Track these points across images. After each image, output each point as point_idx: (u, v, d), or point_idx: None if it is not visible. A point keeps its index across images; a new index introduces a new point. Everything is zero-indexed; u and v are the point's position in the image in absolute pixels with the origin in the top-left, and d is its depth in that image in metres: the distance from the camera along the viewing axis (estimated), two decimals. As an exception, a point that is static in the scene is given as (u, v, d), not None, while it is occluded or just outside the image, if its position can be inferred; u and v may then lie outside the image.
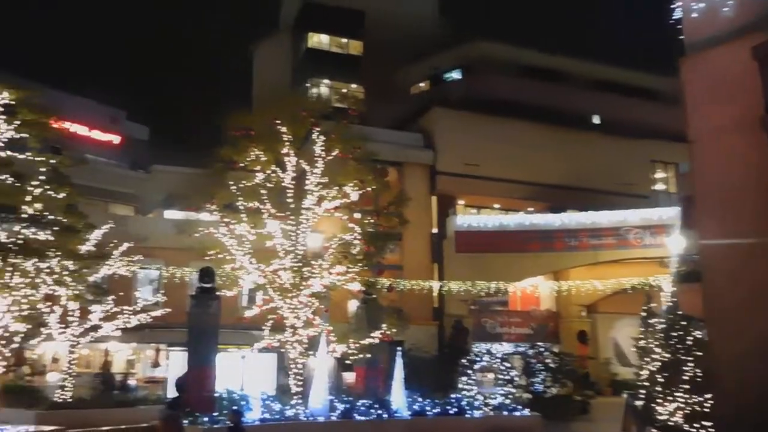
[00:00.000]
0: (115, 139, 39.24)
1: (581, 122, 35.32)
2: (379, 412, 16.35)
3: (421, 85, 39.13)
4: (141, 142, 41.62)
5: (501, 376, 22.19)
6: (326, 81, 38.50)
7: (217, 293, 16.62)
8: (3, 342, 14.32)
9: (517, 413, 18.24)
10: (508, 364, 22.81)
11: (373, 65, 38.22)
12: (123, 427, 16.87)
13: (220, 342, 16.56)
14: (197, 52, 77.60)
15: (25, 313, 14.60)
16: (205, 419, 14.02)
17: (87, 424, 17.23)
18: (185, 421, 13.20)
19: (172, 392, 22.02)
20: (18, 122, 14.30)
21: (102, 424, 17.44)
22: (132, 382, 26.10)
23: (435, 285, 28.86)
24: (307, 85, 37.73)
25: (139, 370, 27.69)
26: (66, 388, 19.38)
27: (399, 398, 16.90)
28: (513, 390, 21.47)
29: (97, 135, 37.66)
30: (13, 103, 14.31)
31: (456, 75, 37.59)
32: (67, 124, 28.30)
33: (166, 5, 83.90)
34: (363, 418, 16.08)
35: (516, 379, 22.84)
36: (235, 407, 13.51)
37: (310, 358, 17.83)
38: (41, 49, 73.08)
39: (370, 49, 39.07)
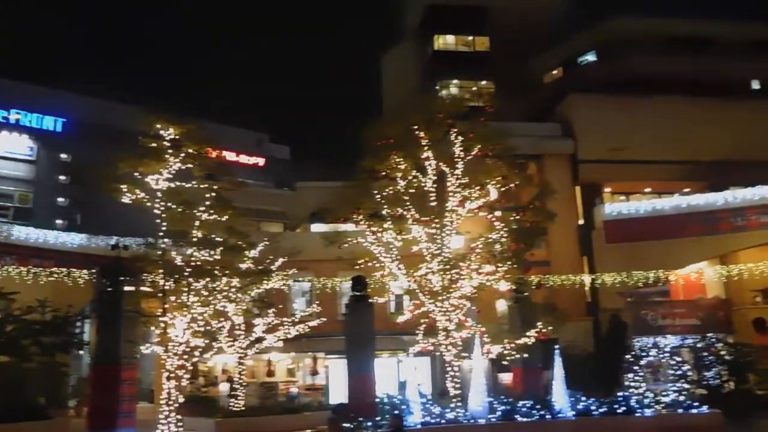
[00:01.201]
0: (260, 161, 41.97)
1: (738, 90, 32.32)
2: (542, 412, 15.86)
3: (554, 72, 37.73)
4: (283, 161, 44.05)
5: (671, 371, 20.69)
6: (455, 81, 38.40)
7: (370, 300, 16.99)
8: (186, 356, 15.59)
9: (694, 410, 16.89)
10: (678, 358, 21.24)
11: (501, 59, 37.56)
12: (293, 432, 17.78)
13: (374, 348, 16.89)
14: (325, 69, 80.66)
15: (201, 329, 15.81)
16: (368, 424, 14.33)
17: (259, 430, 18.33)
18: (349, 425, 13.62)
19: (333, 399, 22.96)
20: (183, 155, 15.60)
21: (272, 430, 18.48)
22: (294, 390, 27.50)
23: (586, 279, 27.59)
24: (437, 87, 37.83)
25: (299, 378, 29.06)
26: (238, 397, 20.76)
27: (561, 398, 16.30)
28: (686, 386, 19.92)
29: (244, 159, 40.50)
30: (178, 137, 15.62)
31: (591, 57, 35.85)
32: (219, 152, 30.47)
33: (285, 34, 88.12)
34: (525, 419, 15.69)
35: (689, 374, 21.20)
36: (396, 411, 13.70)
37: (465, 360, 17.71)
38: (185, 84, 79.59)
39: (497, 43, 38.46)
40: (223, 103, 72.60)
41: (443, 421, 15.25)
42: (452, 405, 15.98)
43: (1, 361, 16.77)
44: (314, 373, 28.51)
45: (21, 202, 34.30)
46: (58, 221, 33.49)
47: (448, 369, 17.04)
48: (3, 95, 32.51)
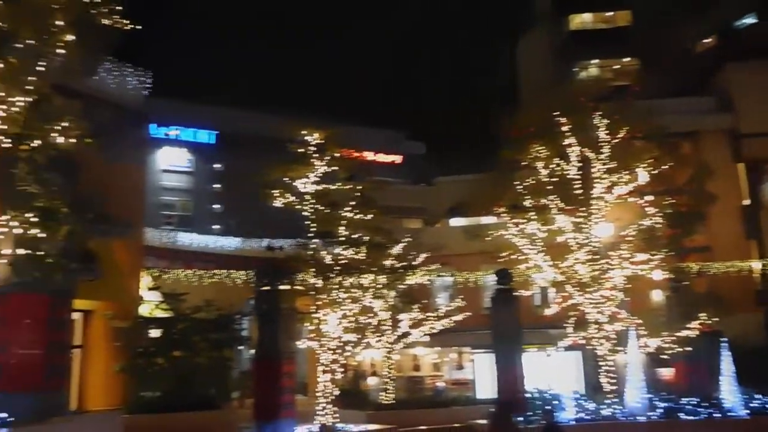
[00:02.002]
0: (397, 158, 42.65)
1: None
2: (710, 411, 14.68)
3: (707, 41, 34.67)
4: (419, 157, 44.45)
5: None
6: (596, 61, 36.51)
7: (515, 293, 16.66)
8: (339, 351, 16.27)
9: None
10: None
11: (645, 33, 35.10)
12: (443, 426, 17.89)
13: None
14: (455, 62, 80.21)
15: (351, 324, 16.43)
16: (519, 419, 14.05)
17: (409, 423, 18.61)
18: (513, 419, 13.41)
19: (480, 394, 22.79)
20: (328, 158, 16.29)
21: (422, 423, 18.68)
22: (440, 384, 27.64)
23: (755, 265, 25.17)
24: (576, 69, 36.20)
25: (445, 373, 29.15)
26: (388, 391, 21.23)
27: (732, 395, 14.99)
28: None
29: (382, 157, 41.39)
30: (322, 142, 16.35)
31: (750, 20, 32.54)
32: (359, 152, 31.43)
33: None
34: (690, 417, 14.58)
35: None
36: (547, 407, 13.31)
37: (619, 354, 16.85)
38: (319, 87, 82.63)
39: (639, 15, 36.04)
40: (356, 101, 74.60)
41: (599, 418, 14.60)
42: (607, 401, 15.26)
43: (176, 356, 18.34)
44: (459, 367, 28.47)
45: (183, 210, 37.53)
46: (215, 226, 36.24)
47: (601, 363, 16.30)
48: (164, 114, 35.78)
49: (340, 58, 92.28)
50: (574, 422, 14.25)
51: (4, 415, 7.58)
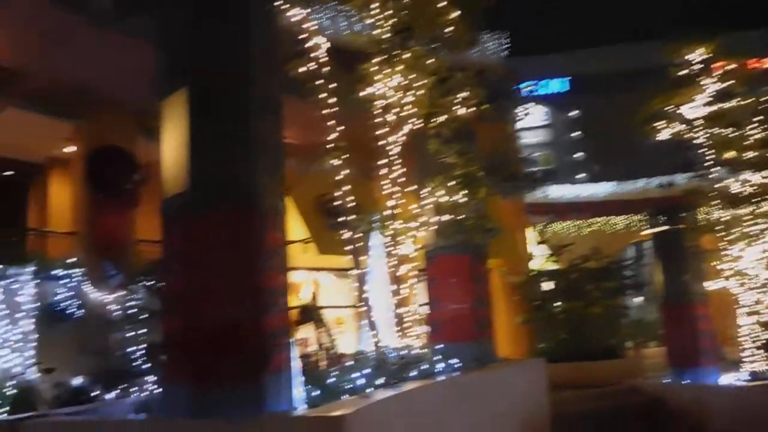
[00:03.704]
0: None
1: None
2: None
3: None
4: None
5: None
6: None
7: None
8: (762, 289, 14.36)
9: None
10: None
11: None
12: None
13: None
14: None
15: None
16: None
17: None
18: None
19: None
20: (718, 74, 14.36)
21: None
22: None
23: None
24: None
25: None
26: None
27: None
28: None
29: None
30: (709, 56, 14.49)
31: None
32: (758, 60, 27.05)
33: None
34: None
35: None
36: None
37: None
38: None
39: None
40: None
41: None
42: None
43: (571, 307, 18.46)
44: None
45: (544, 164, 37.81)
46: (580, 175, 35.59)
47: None
48: (519, 71, 36.32)
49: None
50: None
51: (456, 360, 8.42)
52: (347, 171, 8.08)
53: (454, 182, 8.58)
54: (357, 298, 9.16)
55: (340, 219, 8.39)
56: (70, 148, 14.76)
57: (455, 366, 8.37)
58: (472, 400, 7.52)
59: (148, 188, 13.86)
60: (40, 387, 11.12)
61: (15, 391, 10.71)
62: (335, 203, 8.30)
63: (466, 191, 8.51)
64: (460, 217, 8.86)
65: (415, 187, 9.19)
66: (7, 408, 10.17)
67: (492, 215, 10.36)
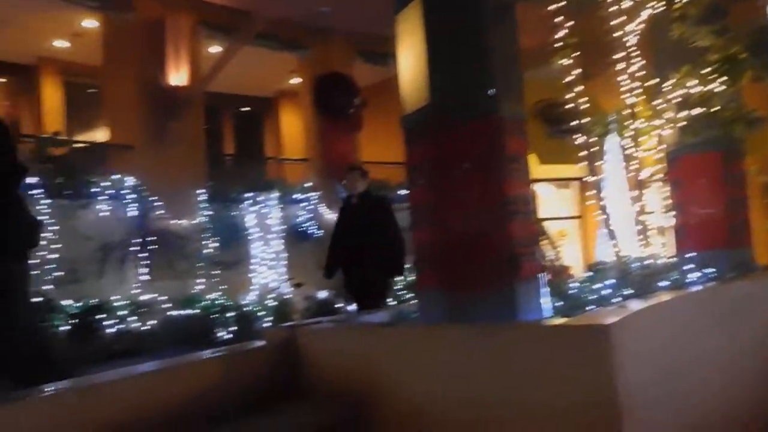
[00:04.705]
0: None
1: None
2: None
3: None
4: None
5: None
6: None
7: None
8: None
9: None
10: None
11: None
12: None
13: None
14: None
15: None
16: None
17: None
18: None
19: None
20: None
21: None
22: None
23: None
24: None
25: None
26: None
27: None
28: None
29: None
30: None
31: None
32: None
33: None
34: None
35: None
36: None
37: None
38: None
39: None
40: None
41: None
42: None
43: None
44: None
45: None
46: None
47: None
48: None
49: None
50: None
51: (712, 270, 7.52)
52: (578, 71, 7.42)
53: (709, 68, 7.42)
54: (593, 206, 8.60)
55: (571, 124, 7.81)
56: (297, 80, 15.75)
57: (709, 276, 7.58)
58: (732, 313, 6.79)
59: (367, 112, 14.39)
60: (293, 300, 12.39)
61: (275, 303, 12.04)
62: (561, 108, 7.74)
63: (725, 77, 7.34)
64: (715, 108, 7.73)
65: (657, 80, 8.18)
66: (271, 318, 11.47)
67: (751, 104, 8.95)
